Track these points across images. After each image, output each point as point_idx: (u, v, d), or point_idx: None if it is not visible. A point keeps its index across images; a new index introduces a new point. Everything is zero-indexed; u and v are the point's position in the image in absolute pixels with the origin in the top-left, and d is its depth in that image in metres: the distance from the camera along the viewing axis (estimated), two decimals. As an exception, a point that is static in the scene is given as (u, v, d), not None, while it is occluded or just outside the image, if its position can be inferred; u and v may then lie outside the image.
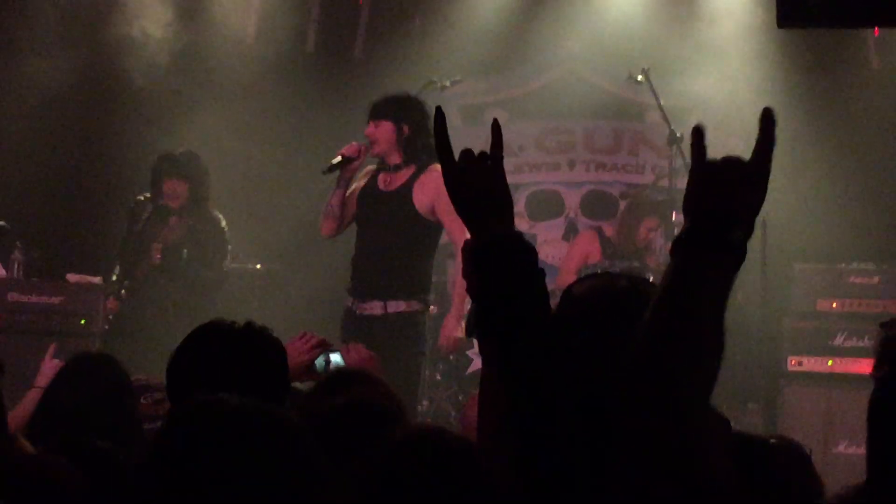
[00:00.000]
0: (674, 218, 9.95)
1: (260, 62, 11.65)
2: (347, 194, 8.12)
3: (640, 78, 10.21)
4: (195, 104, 11.27)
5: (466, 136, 12.82)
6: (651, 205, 10.50)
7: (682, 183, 9.96)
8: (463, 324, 7.50)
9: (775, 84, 11.31)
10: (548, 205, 12.53)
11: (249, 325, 3.76)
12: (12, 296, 9.40)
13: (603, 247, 10.37)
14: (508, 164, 11.90)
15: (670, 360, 2.43)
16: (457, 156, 2.94)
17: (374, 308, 7.87)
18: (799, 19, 5.55)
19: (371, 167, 8.27)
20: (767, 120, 2.61)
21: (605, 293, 2.91)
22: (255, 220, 10.82)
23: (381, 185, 8.14)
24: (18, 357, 7.56)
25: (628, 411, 2.43)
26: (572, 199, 12.46)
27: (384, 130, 8.03)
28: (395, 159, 8.08)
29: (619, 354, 2.48)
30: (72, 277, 9.93)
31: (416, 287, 7.96)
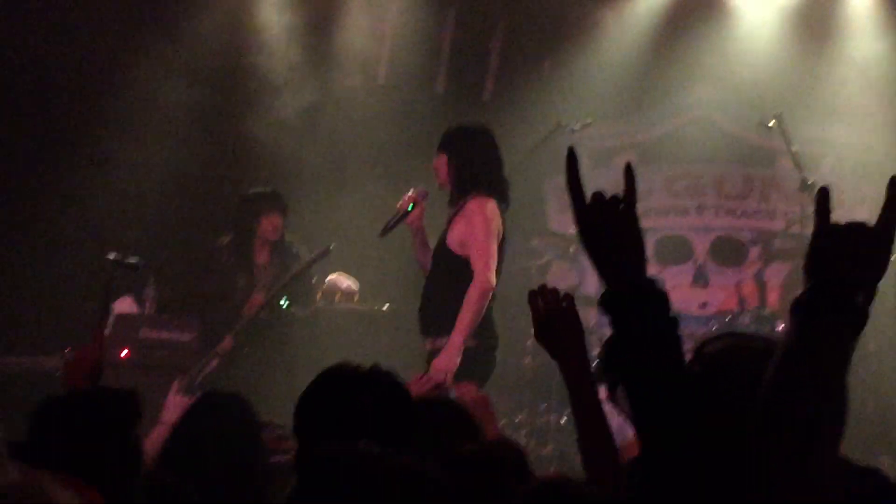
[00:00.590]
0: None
1: (389, 103, 11.73)
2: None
3: (771, 124, 10.10)
4: (324, 146, 11.40)
5: (597, 180, 12.82)
6: (780, 252, 10.38)
7: (812, 231, 9.87)
8: (458, 360, 7.38)
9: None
10: (676, 250, 12.42)
11: (375, 368, 3.78)
12: (144, 332, 9.52)
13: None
14: (637, 207, 11.80)
15: (792, 424, 2.39)
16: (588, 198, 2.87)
17: (425, 345, 7.77)
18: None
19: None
20: (894, 188, 2.55)
21: (739, 355, 2.89)
22: (382, 261, 10.85)
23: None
24: (148, 393, 7.62)
25: (756, 471, 2.40)
26: (701, 245, 12.35)
27: (441, 163, 7.80)
28: (450, 191, 7.79)
29: (747, 416, 2.46)
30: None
31: (450, 327, 7.52)
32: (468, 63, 12.31)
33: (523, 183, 11.51)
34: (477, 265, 7.48)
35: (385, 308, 10.53)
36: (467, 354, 7.43)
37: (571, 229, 11.55)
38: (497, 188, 7.75)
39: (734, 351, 2.91)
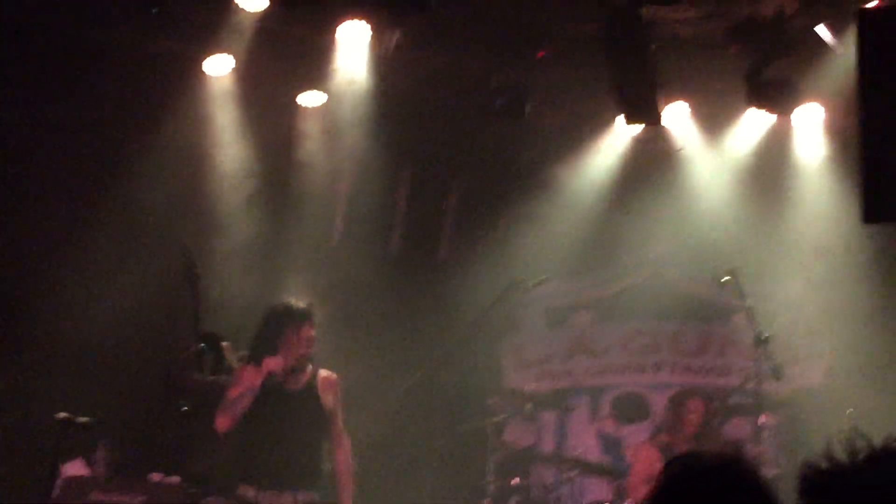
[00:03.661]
0: (761, 420, 9.79)
1: (344, 264, 11.73)
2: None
3: (726, 279, 10.15)
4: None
5: (552, 339, 12.89)
6: (736, 408, 10.36)
7: (768, 386, 9.87)
8: None
9: (866, 285, 11.20)
10: (634, 408, 12.37)
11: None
12: (95, 495, 9.30)
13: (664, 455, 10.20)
14: (594, 365, 11.86)
15: None
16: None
17: (286, 499, 8.26)
18: (884, 214, 5.50)
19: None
20: None
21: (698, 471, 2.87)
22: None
23: (288, 383, 8.47)
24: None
25: None
26: (658, 403, 12.29)
27: (313, 335, 8.58)
28: (305, 361, 8.57)
29: None
30: (154, 477, 9.88)
31: (321, 480, 8.45)
32: (423, 223, 12.37)
33: (479, 341, 11.52)
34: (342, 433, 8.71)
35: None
36: None
37: (528, 386, 11.53)
38: None
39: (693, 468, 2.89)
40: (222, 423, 8.40)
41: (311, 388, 8.46)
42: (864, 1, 9.10)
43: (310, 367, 8.53)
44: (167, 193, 11.08)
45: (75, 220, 11.01)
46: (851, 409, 9.84)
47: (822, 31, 9.79)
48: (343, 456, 8.57)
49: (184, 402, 8.88)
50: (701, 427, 10.20)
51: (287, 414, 8.37)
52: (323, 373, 8.56)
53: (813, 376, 11.85)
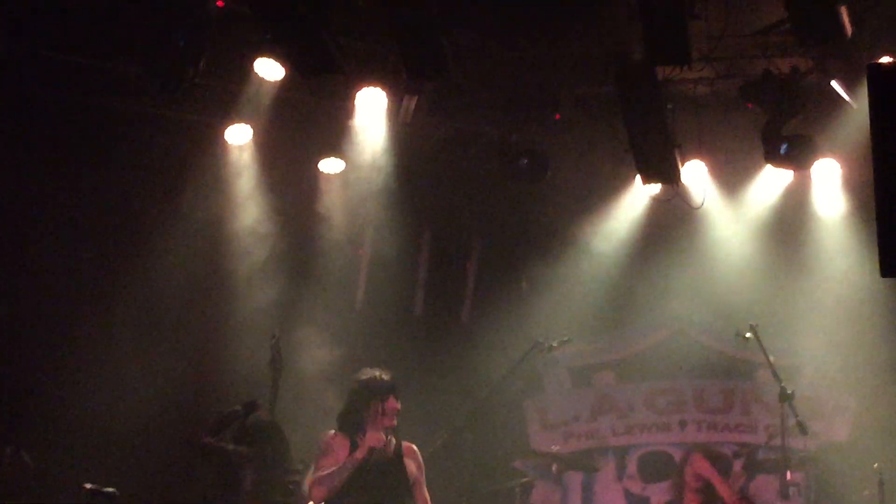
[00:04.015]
0: (789, 476, 9.73)
1: (367, 328, 11.75)
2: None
3: (748, 335, 10.12)
4: (296, 375, 11.37)
5: (577, 399, 12.86)
6: (764, 463, 10.32)
7: (794, 442, 9.83)
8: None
9: (888, 338, 11.18)
10: (659, 466, 12.32)
11: None
12: (122, 565, 9.33)
13: None
14: (619, 425, 11.82)
15: None
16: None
17: None
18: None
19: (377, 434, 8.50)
20: None
21: None
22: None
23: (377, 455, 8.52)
24: None
25: None
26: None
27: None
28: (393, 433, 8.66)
29: None
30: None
31: None
32: (445, 285, 12.40)
33: (503, 403, 11.52)
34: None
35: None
36: None
37: (553, 446, 11.50)
38: None
39: None
40: (318, 494, 8.41)
41: (398, 458, 8.52)
42: (877, 56, 9.16)
43: (392, 439, 8.56)
44: (188, 263, 11.15)
45: (99, 296, 11.07)
46: (878, 464, 9.80)
47: (836, 86, 9.84)
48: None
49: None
50: (704, 482, 10.20)
51: (377, 485, 8.40)
52: (406, 443, 8.64)
53: (839, 431, 11.80)
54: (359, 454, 8.28)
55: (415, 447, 8.63)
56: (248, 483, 9.34)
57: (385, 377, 8.64)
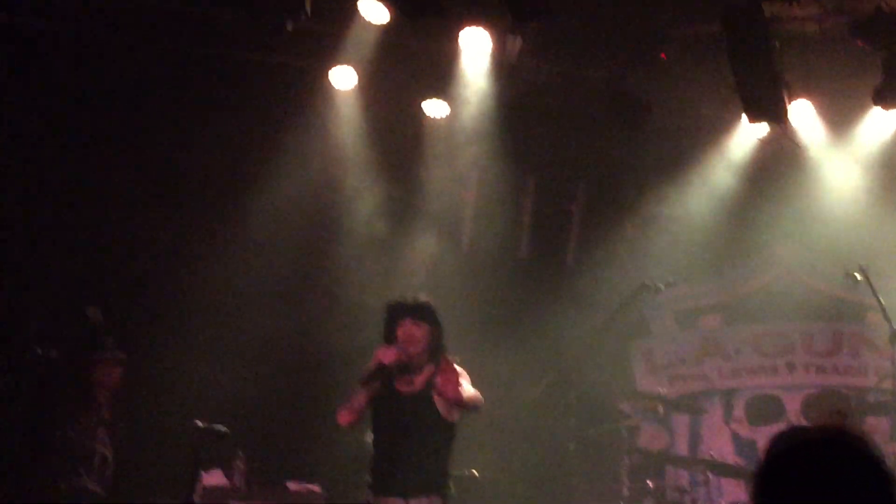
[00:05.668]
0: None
1: (474, 269, 11.80)
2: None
3: (858, 277, 10.01)
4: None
5: (683, 342, 12.82)
6: (874, 406, 10.22)
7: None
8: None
9: None
10: (768, 409, 12.26)
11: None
12: (234, 504, 9.52)
13: None
14: (725, 368, 11.74)
15: None
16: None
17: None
18: None
19: (396, 363, 8.11)
20: None
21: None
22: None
23: (401, 386, 8.15)
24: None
25: None
26: (793, 403, 12.18)
27: (424, 333, 8.14)
28: (420, 360, 8.15)
29: None
30: (292, 486, 10.05)
31: (444, 485, 7.95)
32: (550, 228, 12.40)
33: (609, 345, 11.53)
34: (475, 398, 8.05)
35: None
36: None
37: (660, 389, 11.50)
38: None
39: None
40: (342, 417, 8.31)
41: (426, 392, 8.09)
42: None
43: (431, 369, 8.14)
44: (295, 204, 11.27)
45: (201, 252, 11.22)
46: None
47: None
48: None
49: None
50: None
51: (400, 419, 8.14)
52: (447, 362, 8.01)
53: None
54: (365, 371, 7.98)
55: (456, 367, 7.96)
56: None
57: (407, 300, 8.28)
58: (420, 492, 7.90)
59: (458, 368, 7.90)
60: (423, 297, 8.33)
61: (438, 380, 7.82)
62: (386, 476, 8.04)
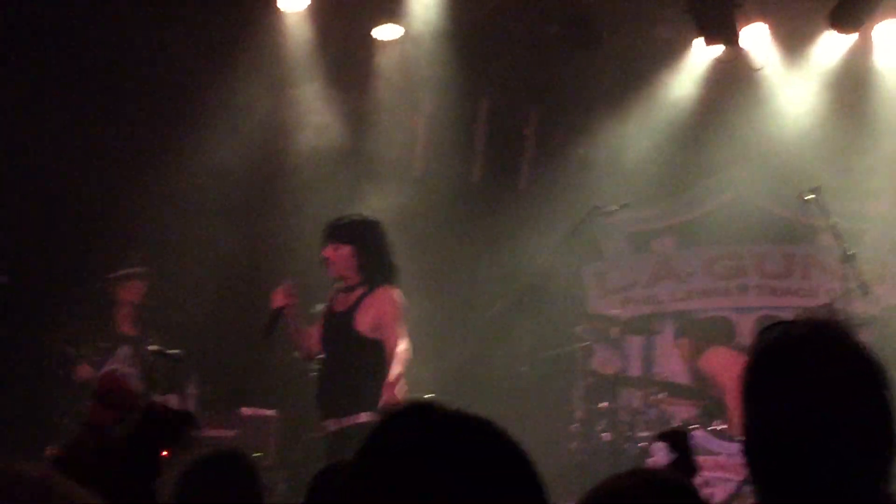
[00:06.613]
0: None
1: (427, 193, 11.75)
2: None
3: (809, 197, 10.04)
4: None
5: (635, 264, 12.86)
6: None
7: (856, 304, 9.79)
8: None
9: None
10: (719, 331, 12.32)
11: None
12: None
13: None
14: (678, 290, 11.77)
15: None
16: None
17: (330, 425, 7.93)
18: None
19: (338, 285, 8.29)
20: None
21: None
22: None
23: (336, 305, 8.24)
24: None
25: None
26: (744, 325, 12.25)
27: (343, 254, 8.14)
28: (352, 280, 8.19)
29: None
30: (246, 411, 10.05)
31: (367, 403, 7.76)
32: (503, 152, 12.35)
33: (561, 269, 11.54)
34: (399, 344, 7.88)
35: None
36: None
37: (612, 310, 11.54)
38: (397, 277, 8.22)
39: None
40: (302, 356, 8.43)
41: (348, 312, 8.08)
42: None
43: (363, 289, 8.12)
44: (244, 133, 11.15)
45: (152, 155, 11.08)
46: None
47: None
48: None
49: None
50: None
51: (330, 339, 8.20)
52: (380, 289, 8.07)
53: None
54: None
55: (389, 291, 8.05)
56: None
57: (330, 224, 8.29)
58: (350, 411, 7.81)
59: (392, 299, 7.98)
60: (352, 217, 8.32)
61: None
62: (322, 396, 8.09)
